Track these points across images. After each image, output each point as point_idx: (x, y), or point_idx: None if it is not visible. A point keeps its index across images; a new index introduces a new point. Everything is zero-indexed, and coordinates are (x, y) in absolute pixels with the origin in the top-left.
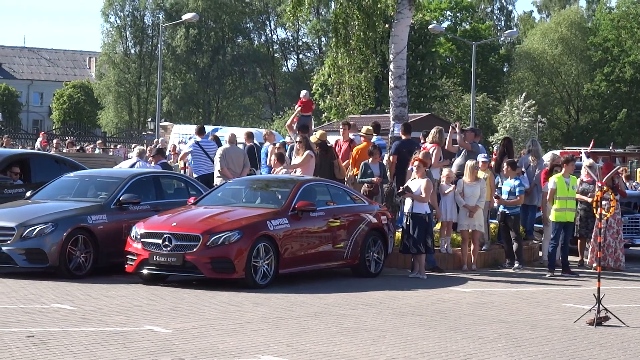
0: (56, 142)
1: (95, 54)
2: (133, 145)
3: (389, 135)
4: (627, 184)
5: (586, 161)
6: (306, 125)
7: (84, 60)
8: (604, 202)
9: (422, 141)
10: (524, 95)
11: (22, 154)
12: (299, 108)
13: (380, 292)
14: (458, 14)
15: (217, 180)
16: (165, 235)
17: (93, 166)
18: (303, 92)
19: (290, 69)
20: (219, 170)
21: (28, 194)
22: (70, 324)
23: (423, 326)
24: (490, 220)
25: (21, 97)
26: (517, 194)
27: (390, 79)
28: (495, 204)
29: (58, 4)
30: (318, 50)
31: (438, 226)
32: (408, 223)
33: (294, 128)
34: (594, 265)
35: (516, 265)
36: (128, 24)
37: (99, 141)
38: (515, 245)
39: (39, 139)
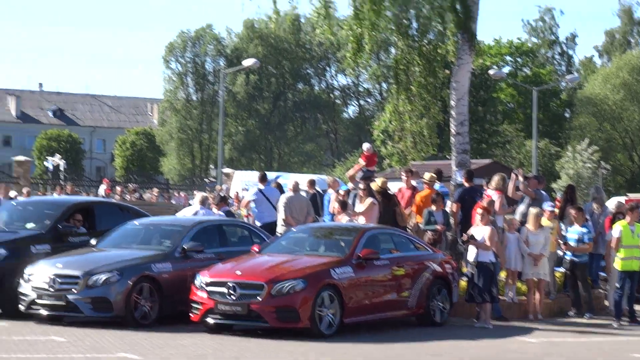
0: (119, 189)
1: (157, 100)
2: (195, 192)
3: (452, 183)
4: None
5: None
6: (369, 177)
7: (146, 106)
8: None
9: (485, 188)
10: (586, 141)
11: (86, 202)
12: (363, 162)
13: (445, 342)
14: (519, 59)
15: (280, 229)
16: (229, 284)
17: (154, 213)
18: (366, 146)
19: (351, 115)
20: (282, 219)
21: (93, 241)
22: None
23: None
24: (555, 269)
25: (84, 143)
26: (586, 241)
27: (451, 125)
28: (561, 252)
29: (120, 50)
30: (379, 96)
31: (503, 274)
32: (473, 271)
33: (356, 179)
34: None
35: (588, 315)
36: (189, 71)
37: (156, 189)
38: (584, 295)
39: (103, 186)
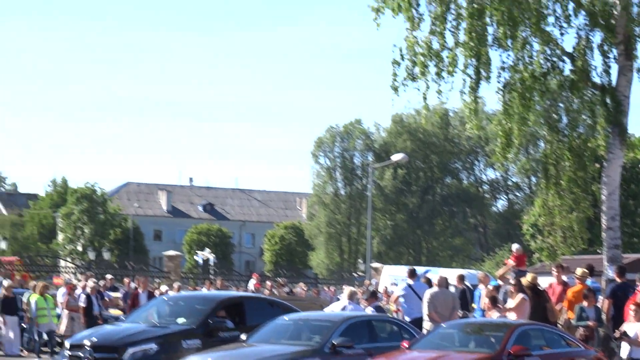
0: (269, 283)
1: (306, 194)
2: (344, 287)
3: (603, 278)
4: None
5: None
6: (520, 276)
7: (294, 201)
8: None
9: (637, 284)
10: None
11: (236, 297)
12: (513, 263)
13: None
14: None
15: (426, 324)
16: None
17: (303, 308)
18: (516, 246)
19: (500, 209)
20: (426, 314)
21: (243, 336)
22: None
23: None
24: None
25: (233, 238)
26: None
27: (602, 220)
28: None
29: (269, 145)
30: (528, 190)
31: None
32: None
33: (506, 277)
34: None
35: None
36: (338, 165)
37: (301, 283)
38: None
39: (252, 281)
